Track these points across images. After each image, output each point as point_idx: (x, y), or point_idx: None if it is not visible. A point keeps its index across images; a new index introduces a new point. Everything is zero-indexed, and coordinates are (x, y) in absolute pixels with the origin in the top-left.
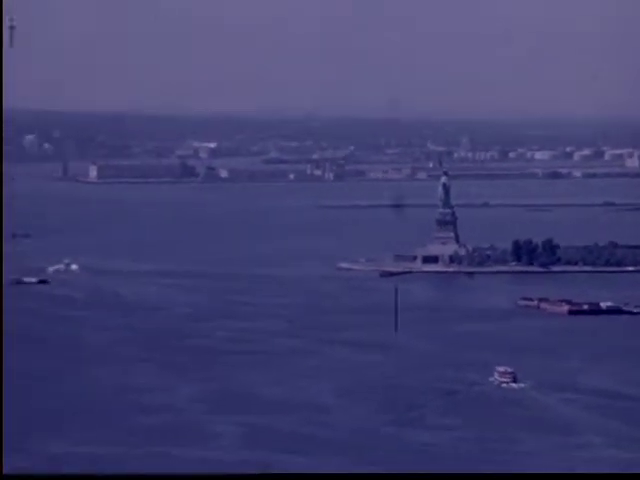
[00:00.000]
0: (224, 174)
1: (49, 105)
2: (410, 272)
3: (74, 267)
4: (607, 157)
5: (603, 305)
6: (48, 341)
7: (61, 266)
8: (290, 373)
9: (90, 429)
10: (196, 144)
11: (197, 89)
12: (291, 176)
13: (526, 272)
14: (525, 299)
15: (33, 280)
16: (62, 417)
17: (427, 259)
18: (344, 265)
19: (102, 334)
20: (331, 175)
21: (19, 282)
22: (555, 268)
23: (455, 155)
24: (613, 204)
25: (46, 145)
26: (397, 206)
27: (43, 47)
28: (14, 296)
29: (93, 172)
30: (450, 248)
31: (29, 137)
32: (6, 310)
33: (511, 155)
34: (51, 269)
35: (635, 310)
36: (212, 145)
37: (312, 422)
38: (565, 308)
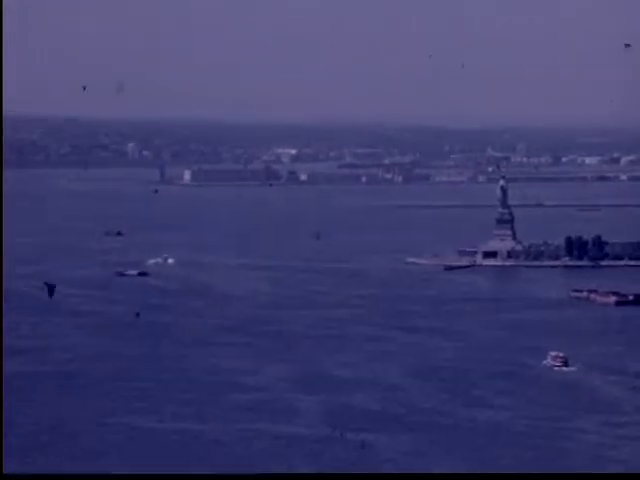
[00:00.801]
0: (304, 177)
1: (146, 115)
2: (472, 266)
3: (170, 261)
4: None
5: None
6: (148, 326)
7: (159, 260)
8: (364, 356)
9: (189, 406)
10: (279, 150)
11: (278, 100)
12: (363, 179)
13: (577, 266)
14: (576, 291)
15: (134, 272)
16: (163, 396)
17: (487, 254)
18: (412, 260)
19: (195, 320)
20: (400, 178)
21: (122, 274)
22: (603, 262)
23: (512, 160)
24: None
25: (145, 152)
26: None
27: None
28: (118, 286)
29: (187, 176)
30: (508, 244)
31: (130, 145)
32: (110, 300)
33: (563, 160)
34: (150, 262)
35: None
36: (293, 151)
37: (383, 400)
38: (612, 299)
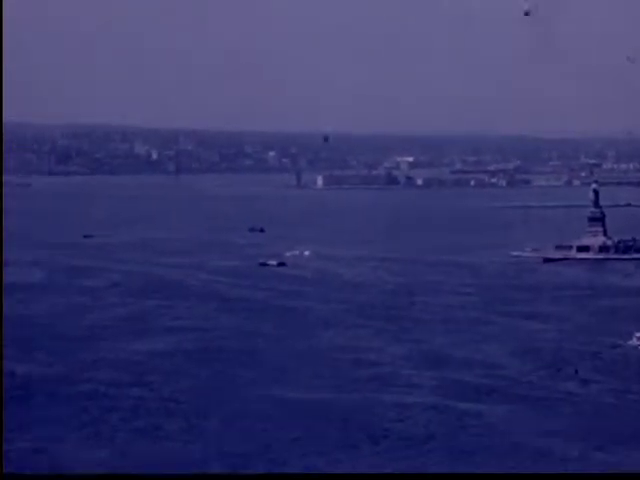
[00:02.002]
0: (419, 182)
1: (283, 128)
2: (567, 259)
3: (306, 253)
4: None
5: None
6: (286, 310)
7: (296, 252)
8: (472, 338)
9: (320, 378)
10: (398, 159)
11: (396, 114)
12: (472, 183)
13: None
14: None
15: (274, 263)
16: (298, 370)
17: (581, 248)
18: (515, 253)
19: (326, 305)
20: (504, 182)
21: (264, 264)
22: None
23: (603, 167)
24: None
25: (284, 160)
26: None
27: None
28: (261, 275)
29: (320, 181)
30: (599, 240)
31: (271, 153)
32: (254, 286)
33: None
34: (288, 254)
35: None
36: (410, 159)
37: (489, 376)
38: None
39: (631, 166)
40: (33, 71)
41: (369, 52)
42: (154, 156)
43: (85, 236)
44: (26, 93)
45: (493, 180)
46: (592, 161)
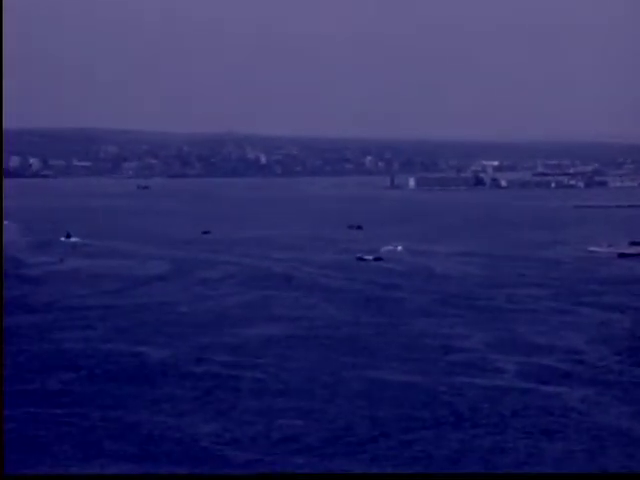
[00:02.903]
0: (504, 184)
1: (380, 135)
2: None
3: (400, 248)
4: None
5: None
6: (382, 300)
7: (391, 247)
8: (552, 326)
9: (412, 363)
10: (484, 162)
11: (481, 120)
12: (552, 185)
13: None
14: None
15: (371, 257)
16: (392, 355)
17: None
18: (591, 249)
19: (418, 296)
20: (582, 184)
21: (361, 259)
22: None
23: None
24: None
25: (379, 164)
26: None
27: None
28: (358, 268)
29: (412, 182)
30: None
31: (368, 158)
32: (352, 279)
33: None
34: (384, 249)
35: None
36: (495, 163)
37: (569, 361)
38: None
39: None
40: (143, 82)
41: (458, 63)
42: (263, 160)
43: (204, 232)
44: (152, 104)
45: (572, 182)
46: None
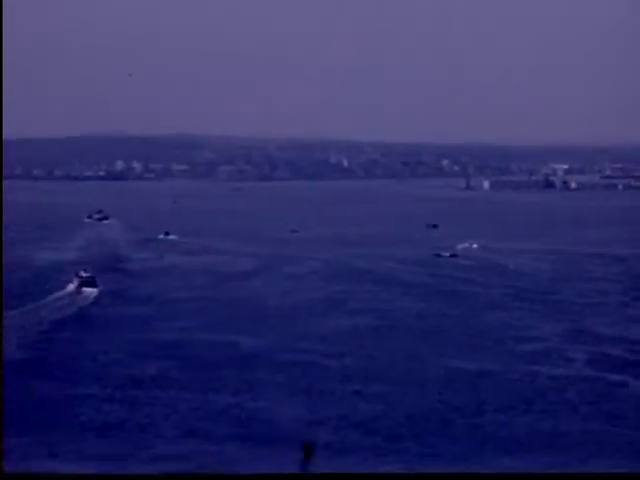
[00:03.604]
0: (573, 186)
1: (456, 140)
2: None
3: (475, 246)
4: None
5: None
6: (457, 294)
7: (466, 245)
8: (620, 319)
9: (486, 352)
10: (555, 166)
11: (553, 125)
12: (619, 187)
13: None
14: None
15: (447, 254)
16: (466, 344)
17: None
18: None
19: (492, 290)
20: None
21: (438, 255)
22: None
23: None
24: None
25: (455, 167)
26: None
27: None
28: (436, 264)
29: (486, 184)
30: None
31: (445, 161)
32: (429, 274)
33: None
34: (459, 247)
35: None
36: (565, 166)
37: (634, 351)
38: None
39: None
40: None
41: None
42: (346, 164)
43: (292, 231)
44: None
45: (637, 184)
46: None
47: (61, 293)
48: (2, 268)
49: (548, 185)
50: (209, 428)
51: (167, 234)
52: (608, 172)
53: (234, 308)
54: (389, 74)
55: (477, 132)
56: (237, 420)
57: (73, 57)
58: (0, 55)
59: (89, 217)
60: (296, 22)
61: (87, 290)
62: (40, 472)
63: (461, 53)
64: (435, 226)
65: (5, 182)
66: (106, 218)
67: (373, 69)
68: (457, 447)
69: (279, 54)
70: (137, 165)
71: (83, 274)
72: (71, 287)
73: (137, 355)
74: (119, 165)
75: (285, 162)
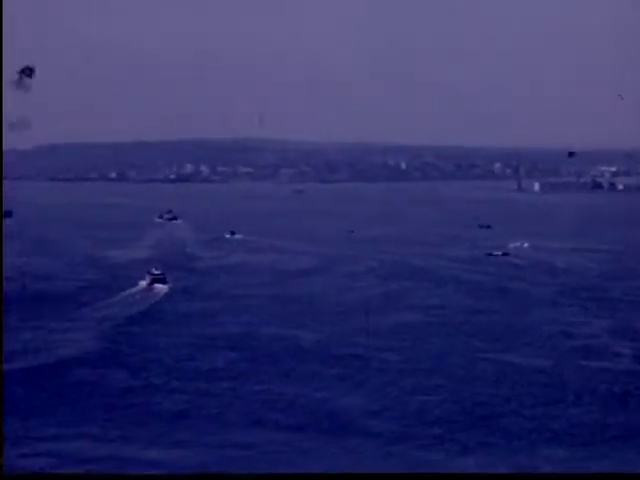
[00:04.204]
0: (620, 187)
1: (506, 144)
2: None
3: (526, 245)
4: None
5: None
6: (507, 291)
7: (518, 244)
8: None
9: (535, 347)
10: (602, 168)
11: (601, 129)
12: None
13: None
14: None
15: (499, 253)
16: (515, 339)
17: None
18: None
19: (542, 288)
20: None
21: (490, 254)
22: None
23: None
24: None
25: (507, 170)
26: None
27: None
28: (488, 263)
29: (537, 186)
30: None
31: (497, 165)
32: (482, 272)
33: None
34: (511, 246)
35: None
36: (613, 169)
37: None
38: None
39: None
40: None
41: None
42: (403, 166)
43: (350, 231)
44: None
45: None
46: None
47: (134, 289)
48: (2, 269)
49: (596, 187)
50: (273, 417)
51: (233, 233)
52: None
53: (295, 304)
54: (442, 78)
55: (527, 136)
56: (299, 410)
57: (146, 62)
58: None
59: (160, 217)
60: (347, 26)
61: (158, 286)
62: (40, 472)
63: (515, 59)
64: (488, 226)
65: (81, 184)
66: (175, 218)
67: (426, 73)
68: (508, 438)
69: (336, 60)
70: (205, 168)
71: (154, 271)
72: (143, 284)
73: (204, 348)
74: (188, 168)
75: (345, 165)
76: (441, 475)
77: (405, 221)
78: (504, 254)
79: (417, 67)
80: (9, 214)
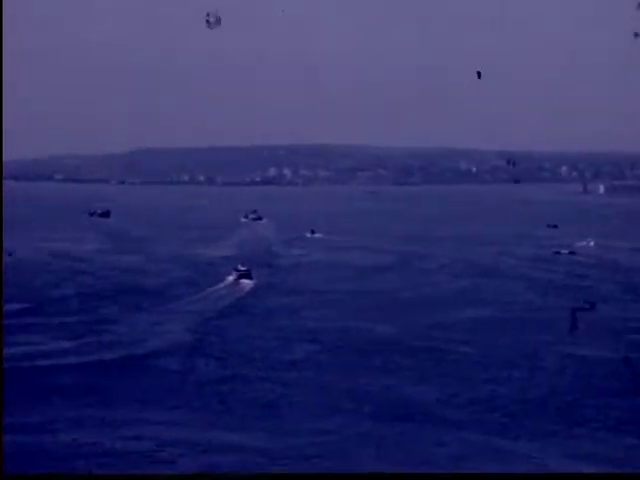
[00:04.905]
0: None
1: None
2: None
3: (592, 244)
4: None
5: None
6: (573, 289)
7: (584, 243)
8: None
9: (600, 340)
10: None
11: None
12: None
13: None
14: None
15: (566, 252)
16: (581, 335)
17: None
18: None
19: (606, 285)
20: None
21: (557, 253)
22: None
23: None
24: None
25: (573, 173)
26: None
27: None
28: (556, 261)
29: (602, 189)
30: None
31: (563, 168)
32: (548, 270)
33: None
34: (577, 245)
35: None
36: None
37: None
38: None
39: None
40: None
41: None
42: (474, 170)
43: (421, 230)
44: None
45: None
46: None
47: (221, 284)
48: (2, 267)
49: None
50: (352, 406)
51: (313, 232)
52: None
53: (373, 299)
54: (513, 82)
55: (592, 140)
56: (376, 399)
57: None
58: None
59: (245, 217)
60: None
61: (244, 282)
62: (40, 473)
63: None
64: (555, 226)
65: (173, 187)
66: (260, 218)
67: (501, 77)
68: (576, 428)
69: (413, 67)
70: (287, 172)
71: (241, 267)
72: (230, 279)
73: (288, 340)
74: (271, 172)
75: (418, 168)
76: (441, 475)
77: (475, 221)
78: (571, 252)
79: (489, 71)
80: (107, 214)
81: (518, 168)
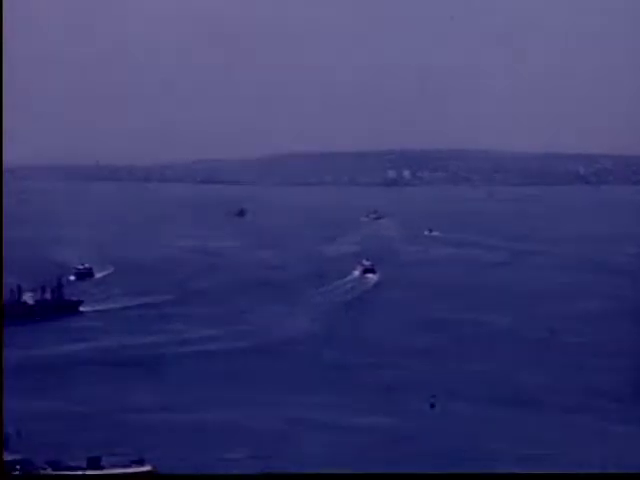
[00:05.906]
0: None
1: None
2: None
3: None
4: None
5: None
6: None
7: None
8: None
9: None
10: None
11: None
12: None
13: None
14: None
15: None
16: None
17: None
18: None
19: None
20: None
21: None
22: None
23: None
24: None
25: None
26: None
27: None
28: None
29: None
30: None
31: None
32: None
33: None
34: None
35: None
36: None
37: None
38: None
39: None
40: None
41: None
42: (581, 172)
43: (532, 227)
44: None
45: None
46: None
47: (348, 278)
48: (2, 265)
49: None
50: (470, 391)
51: (431, 231)
52: None
53: (489, 292)
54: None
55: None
56: (489, 384)
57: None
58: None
59: (366, 216)
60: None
61: (369, 276)
62: (40, 473)
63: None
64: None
65: (303, 189)
66: (380, 217)
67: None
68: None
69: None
70: (407, 174)
71: (365, 262)
72: (356, 274)
73: (412, 330)
74: (391, 174)
75: (530, 171)
76: (441, 475)
77: (583, 220)
78: None
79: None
80: (242, 213)
81: (627, 170)
